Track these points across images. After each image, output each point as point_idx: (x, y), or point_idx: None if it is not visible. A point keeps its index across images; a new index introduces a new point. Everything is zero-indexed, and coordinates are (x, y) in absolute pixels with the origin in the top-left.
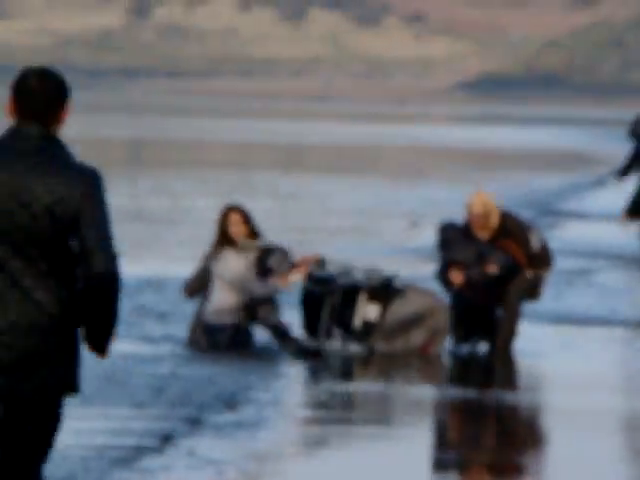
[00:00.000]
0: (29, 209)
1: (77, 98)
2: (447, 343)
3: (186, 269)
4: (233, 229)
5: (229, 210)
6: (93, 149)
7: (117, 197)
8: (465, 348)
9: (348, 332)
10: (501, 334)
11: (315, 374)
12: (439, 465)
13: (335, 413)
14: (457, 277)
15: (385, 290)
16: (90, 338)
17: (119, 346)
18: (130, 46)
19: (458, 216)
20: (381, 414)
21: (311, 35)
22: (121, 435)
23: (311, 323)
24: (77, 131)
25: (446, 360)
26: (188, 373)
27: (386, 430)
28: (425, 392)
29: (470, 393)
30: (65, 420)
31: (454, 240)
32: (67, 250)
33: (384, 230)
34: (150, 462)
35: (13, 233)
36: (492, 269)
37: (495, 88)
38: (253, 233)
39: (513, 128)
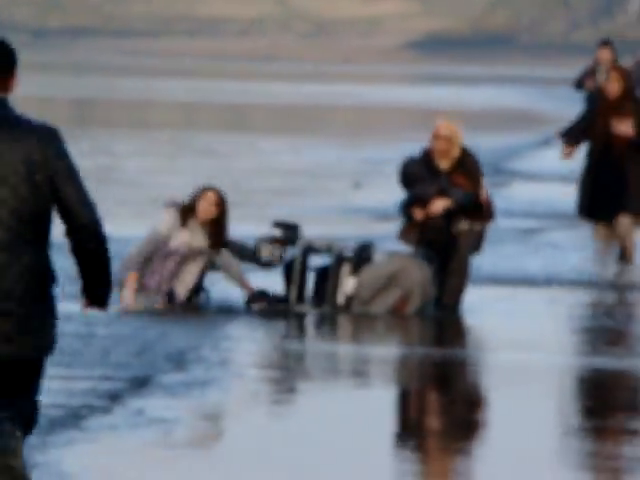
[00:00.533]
0: (7, 178)
1: (22, 58)
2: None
3: (122, 229)
4: (204, 204)
5: (208, 189)
6: (37, 109)
7: None
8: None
9: (326, 304)
10: (450, 290)
11: (275, 333)
12: (375, 418)
13: (284, 372)
14: (419, 213)
15: (359, 260)
16: (89, 293)
17: (67, 307)
18: (75, 5)
19: (386, 183)
20: (329, 372)
21: None
22: (67, 395)
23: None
24: (21, 91)
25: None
26: (137, 333)
27: (332, 387)
28: (375, 351)
29: (418, 350)
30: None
31: (418, 175)
32: (44, 213)
33: (328, 190)
34: (97, 421)
35: None
36: (438, 208)
37: (442, 48)
38: (219, 223)
39: (460, 88)
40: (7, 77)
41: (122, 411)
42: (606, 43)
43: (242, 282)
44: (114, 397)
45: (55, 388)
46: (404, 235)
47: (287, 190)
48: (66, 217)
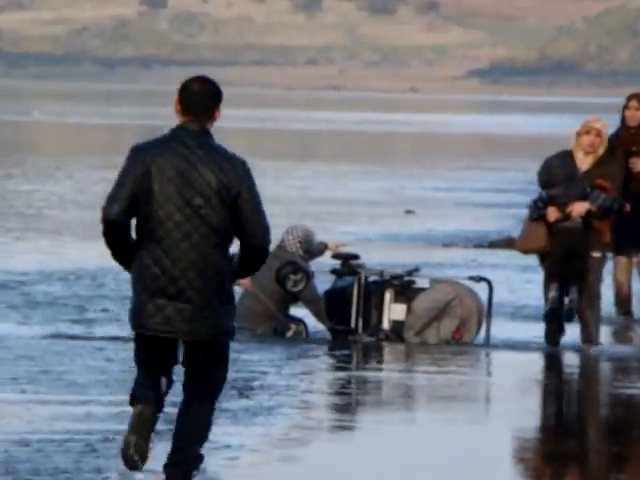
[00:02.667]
0: (203, 192)
1: (92, 87)
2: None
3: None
4: None
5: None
6: (104, 136)
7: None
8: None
9: (373, 330)
10: (587, 326)
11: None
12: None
13: (351, 399)
14: (553, 214)
15: (408, 287)
16: (238, 273)
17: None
18: (144, 35)
19: (453, 210)
20: (393, 400)
21: (325, 24)
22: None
23: (337, 315)
24: (94, 119)
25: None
26: None
27: (391, 416)
28: (443, 380)
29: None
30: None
31: (559, 176)
32: (228, 225)
33: (380, 217)
34: (162, 447)
35: (189, 213)
36: (579, 210)
37: (508, 76)
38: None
39: (526, 115)
40: (213, 111)
41: None
42: None
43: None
44: None
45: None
46: (527, 241)
47: (343, 216)
48: (242, 229)
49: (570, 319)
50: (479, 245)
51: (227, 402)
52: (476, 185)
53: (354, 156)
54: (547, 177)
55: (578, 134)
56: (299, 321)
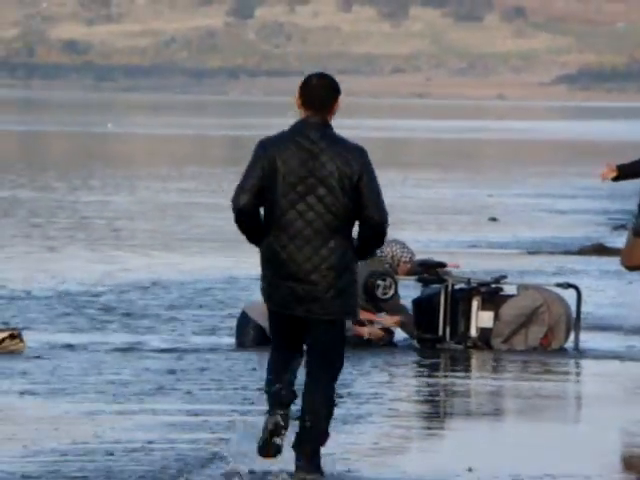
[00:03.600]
0: (325, 181)
1: (180, 99)
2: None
3: None
4: None
5: None
6: (193, 146)
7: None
8: None
9: (461, 338)
10: None
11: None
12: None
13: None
14: None
15: (495, 294)
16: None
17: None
18: (232, 46)
19: (539, 217)
20: (480, 408)
21: (411, 32)
22: (212, 429)
23: (425, 323)
24: (180, 129)
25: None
26: None
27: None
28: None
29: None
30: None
31: None
32: (351, 212)
33: (464, 224)
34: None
35: (313, 202)
36: None
37: (596, 81)
38: None
39: (615, 121)
40: (332, 104)
41: None
42: None
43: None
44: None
45: (222, 422)
46: (633, 256)
47: (428, 224)
48: (362, 212)
49: None
50: (567, 252)
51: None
52: (562, 192)
53: (439, 164)
54: None
55: None
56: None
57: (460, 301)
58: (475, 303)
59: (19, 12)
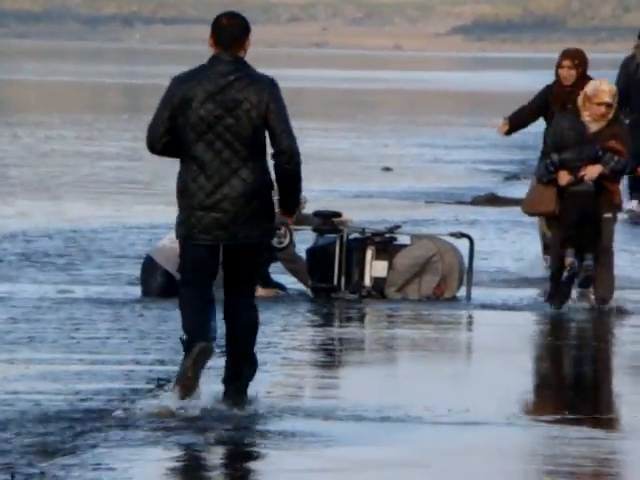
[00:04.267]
0: (235, 112)
1: (74, 46)
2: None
3: None
4: None
5: None
6: (90, 94)
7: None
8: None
9: (355, 287)
10: (602, 287)
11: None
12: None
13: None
14: (565, 178)
15: (389, 244)
16: (282, 204)
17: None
18: None
19: (434, 167)
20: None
21: None
22: (119, 379)
23: (319, 273)
24: (73, 77)
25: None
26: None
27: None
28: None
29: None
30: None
31: (570, 139)
32: (260, 140)
33: (359, 175)
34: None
35: (221, 131)
36: (593, 173)
37: (492, 32)
38: None
39: (510, 72)
40: (244, 42)
41: None
42: None
43: None
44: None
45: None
46: (535, 203)
47: (321, 174)
48: (273, 143)
49: (587, 285)
50: (460, 202)
51: (211, 360)
52: (456, 142)
53: (335, 114)
54: (559, 140)
55: (588, 98)
56: (280, 287)
57: (354, 251)
58: (369, 253)
59: None
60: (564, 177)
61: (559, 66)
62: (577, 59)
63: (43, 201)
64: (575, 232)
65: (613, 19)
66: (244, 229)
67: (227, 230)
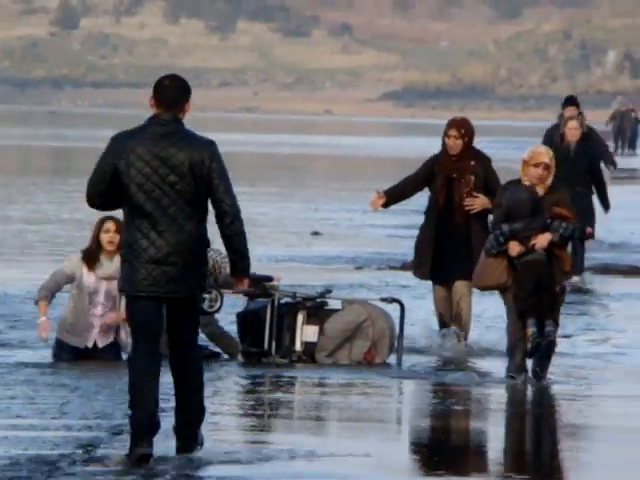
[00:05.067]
0: (176, 170)
1: (2, 109)
2: (392, 350)
3: None
4: (104, 237)
5: (105, 219)
6: (20, 158)
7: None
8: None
9: (286, 352)
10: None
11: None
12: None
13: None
14: (516, 248)
15: (320, 309)
16: (233, 267)
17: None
18: (56, 56)
19: (364, 232)
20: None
21: (239, 46)
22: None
23: (250, 337)
24: (5, 142)
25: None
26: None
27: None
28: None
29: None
30: None
31: (522, 208)
32: (202, 198)
33: (288, 239)
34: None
35: (167, 189)
36: (543, 242)
37: (421, 98)
38: None
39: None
40: (184, 104)
41: None
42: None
43: None
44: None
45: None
46: (486, 277)
47: (250, 237)
48: (215, 203)
49: (551, 352)
50: (391, 267)
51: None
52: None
53: (264, 177)
54: (515, 211)
55: (525, 163)
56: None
57: (286, 315)
58: (300, 317)
59: None
60: (515, 248)
61: (445, 135)
62: (463, 128)
63: None
64: (533, 302)
65: (540, 88)
66: (189, 281)
67: (175, 283)
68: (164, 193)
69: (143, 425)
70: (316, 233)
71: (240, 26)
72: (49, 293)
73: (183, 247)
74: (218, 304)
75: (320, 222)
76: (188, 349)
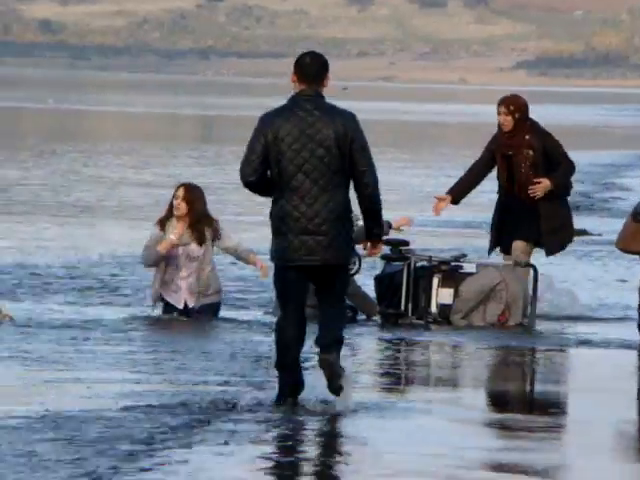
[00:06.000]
0: (323, 144)
1: (153, 78)
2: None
3: None
4: (175, 202)
5: (180, 185)
6: (166, 124)
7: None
8: None
9: (422, 313)
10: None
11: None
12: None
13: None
14: None
15: (455, 272)
16: (368, 232)
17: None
18: (203, 28)
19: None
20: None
21: (377, 17)
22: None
23: (387, 300)
24: (153, 108)
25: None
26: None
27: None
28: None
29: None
30: None
31: None
32: (346, 168)
33: (425, 203)
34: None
35: (315, 162)
36: None
37: (554, 67)
38: (193, 216)
39: (570, 105)
40: (323, 78)
41: None
42: None
43: (251, 260)
44: None
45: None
46: (629, 241)
47: (387, 203)
48: (356, 175)
49: None
50: None
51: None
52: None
53: (405, 146)
54: None
55: None
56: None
57: (421, 278)
58: (436, 280)
59: None
60: None
61: (497, 113)
62: (512, 105)
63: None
64: None
65: None
66: (340, 248)
67: (327, 250)
68: (313, 166)
69: (288, 385)
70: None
71: None
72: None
73: (333, 216)
74: (357, 266)
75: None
76: (336, 310)
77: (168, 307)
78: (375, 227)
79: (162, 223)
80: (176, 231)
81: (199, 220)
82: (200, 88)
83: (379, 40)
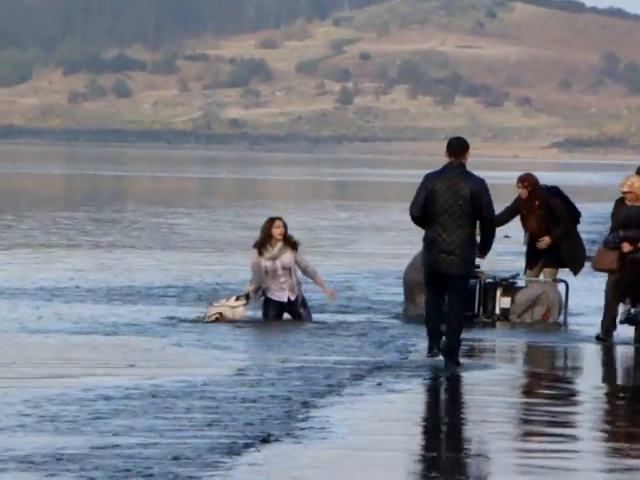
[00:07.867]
0: (462, 197)
1: (303, 157)
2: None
3: None
4: (275, 230)
5: (274, 218)
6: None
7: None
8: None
9: (489, 315)
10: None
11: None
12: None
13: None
14: (627, 247)
15: (512, 286)
16: (482, 249)
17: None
18: (338, 122)
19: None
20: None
21: (456, 113)
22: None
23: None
24: (301, 177)
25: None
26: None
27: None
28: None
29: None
30: None
31: (636, 222)
32: (475, 215)
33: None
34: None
35: (456, 208)
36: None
37: (577, 146)
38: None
39: (590, 172)
40: (464, 153)
41: None
42: None
43: (317, 280)
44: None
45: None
46: (602, 262)
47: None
48: (481, 218)
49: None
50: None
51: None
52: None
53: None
54: (628, 222)
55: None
56: None
57: (489, 290)
58: (499, 291)
59: (202, 101)
60: (626, 246)
61: (517, 187)
62: (526, 181)
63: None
64: (631, 290)
65: None
66: (464, 265)
67: (456, 265)
68: (454, 210)
69: (433, 334)
70: (506, 236)
71: (457, 100)
72: (259, 279)
73: (462, 243)
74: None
75: (509, 229)
76: (457, 307)
77: (269, 304)
78: (486, 247)
79: (262, 248)
80: None
81: None
82: (337, 163)
83: (458, 128)
